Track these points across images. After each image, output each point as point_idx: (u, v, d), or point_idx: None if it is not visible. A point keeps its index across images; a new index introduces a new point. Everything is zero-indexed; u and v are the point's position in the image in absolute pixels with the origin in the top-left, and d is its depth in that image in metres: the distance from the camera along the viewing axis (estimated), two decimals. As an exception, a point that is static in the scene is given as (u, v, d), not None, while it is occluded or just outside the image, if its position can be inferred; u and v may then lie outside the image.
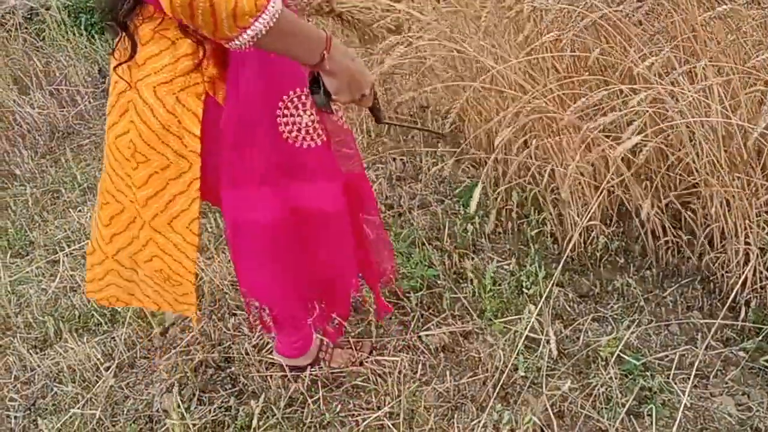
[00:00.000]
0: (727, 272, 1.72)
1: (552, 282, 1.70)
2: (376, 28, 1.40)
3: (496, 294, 1.84)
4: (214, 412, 1.61)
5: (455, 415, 1.54)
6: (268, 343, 1.79)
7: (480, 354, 1.68)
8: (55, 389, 1.74)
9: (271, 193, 1.27)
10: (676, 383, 1.54)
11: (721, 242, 1.73)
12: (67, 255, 2.30)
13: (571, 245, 1.81)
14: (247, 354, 1.76)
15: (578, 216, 1.87)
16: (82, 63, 3.81)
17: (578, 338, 1.69)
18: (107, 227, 1.33)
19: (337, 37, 1.18)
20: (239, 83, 1.16)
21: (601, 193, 1.73)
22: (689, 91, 1.43)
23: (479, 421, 1.50)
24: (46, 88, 3.57)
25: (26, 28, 4.05)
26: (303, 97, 1.21)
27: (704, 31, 1.57)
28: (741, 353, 1.61)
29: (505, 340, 1.68)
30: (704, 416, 1.48)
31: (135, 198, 1.24)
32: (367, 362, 1.69)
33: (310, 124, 1.23)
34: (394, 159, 2.55)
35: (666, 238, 1.83)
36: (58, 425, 1.62)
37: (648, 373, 1.56)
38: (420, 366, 1.67)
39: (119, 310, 1.96)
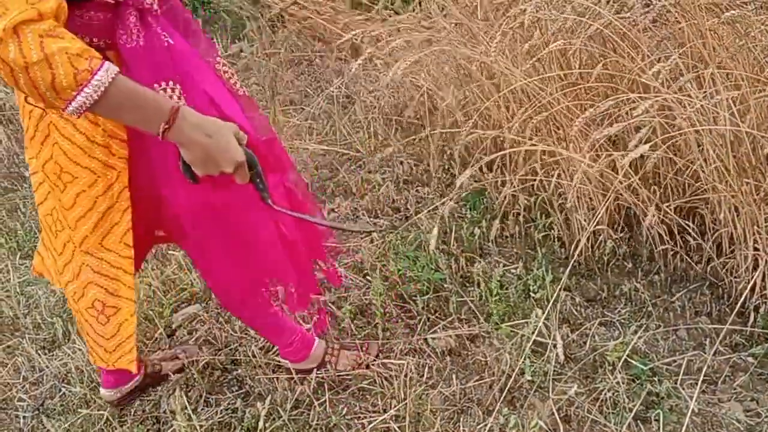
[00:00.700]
0: (735, 278, 1.72)
1: (559, 286, 1.70)
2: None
3: (502, 298, 1.84)
4: (220, 413, 1.62)
5: (461, 419, 1.53)
6: (274, 345, 1.80)
7: (486, 358, 1.68)
8: (64, 390, 1.75)
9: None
10: (683, 388, 1.53)
11: (729, 248, 1.73)
12: (75, 256, 2.31)
13: (578, 249, 1.81)
14: (253, 356, 1.76)
15: (586, 220, 1.87)
16: (91, 66, 3.83)
17: (585, 343, 1.69)
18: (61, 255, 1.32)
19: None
20: None
21: (608, 198, 1.72)
22: (697, 98, 1.43)
23: (485, 425, 1.50)
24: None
25: (37, 31, 4.07)
26: None
27: (712, 37, 1.56)
28: (750, 359, 1.60)
29: (512, 344, 1.68)
30: (712, 422, 1.47)
31: (66, 222, 1.23)
32: (373, 365, 1.69)
33: None
34: (402, 162, 2.55)
35: (674, 243, 1.82)
36: (66, 426, 1.63)
37: (655, 378, 1.56)
38: (426, 369, 1.67)
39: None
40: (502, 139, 2.09)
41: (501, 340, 1.72)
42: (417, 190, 2.41)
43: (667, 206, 1.78)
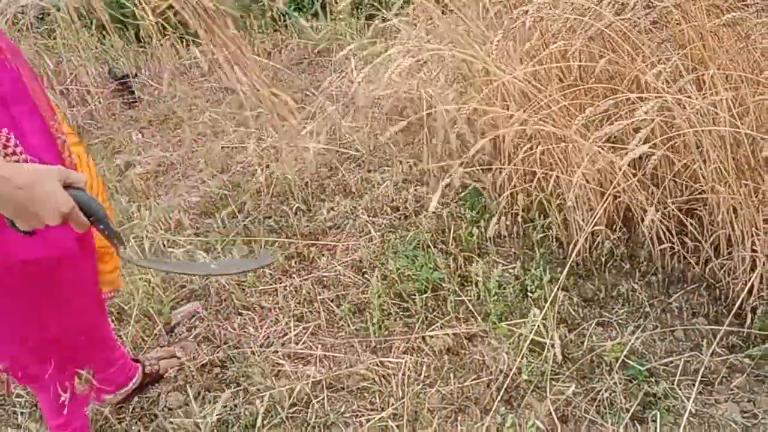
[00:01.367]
0: (733, 279, 1.72)
1: (557, 286, 1.71)
2: None
3: (500, 297, 1.84)
4: (218, 411, 1.62)
5: (459, 418, 1.54)
6: (273, 342, 1.80)
7: (484, 357, 1.68)
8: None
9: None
10: (680, 389, 1.53)
11: (727, 249, 1.73)
12: (75, 253, 2.31)
13: (576, 250, 1.81)
14: (252, 353, 1.77)
15: (584, 221, 1.87)
16: (92, 63, 3.84)
17: (583, 343, 1.69)
18: None
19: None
20: None
21: (606, 198, 1.73)
22: (697, 100, 1.44)
23: (483, 424, 1.50)
24: (57, 87, 3.60)
25: (37, 28, 4.08)
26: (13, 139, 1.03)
27: (713, 39, 1.57)
28: (746, 360, 1.61)
29: (510, 344, 1.69)
30: (709, 423, 1.47)
31: None
32: (370, 365, 1.69)
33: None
34: (401, 162, 2.55)
35: (672, 244, 1.82)
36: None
37: (653, 379, 1.56)
38: (424, 368, 1.67)
39: (125, 308, 1.97)
40: (501, 138, 2.10)
41: (499, 339, 1.72)
42: (416, 190, 2.41)
43: (665, 207, 1.78)
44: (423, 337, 1.76)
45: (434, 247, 2.06)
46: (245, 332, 1.86)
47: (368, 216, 2.32)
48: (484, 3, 2.12)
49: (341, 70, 3.42)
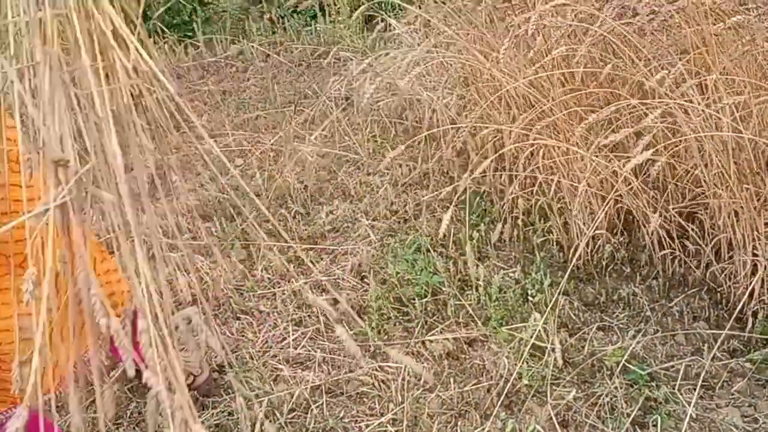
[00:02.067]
0: (734, 283, 1.72)
1: (558, 290, 1.70)
2: None
3: (501, 302, 1.84)
4: (217, 416, 1.61)
5: (459, 423, 1.53)
6: (271, 347, 1.79)
7: (484, 361, 1.67)
8: (59, 392, 1.74)
9: None
10: (681, 394, 1.53)
11: (728, 253, 1.72)
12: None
13: (577, 254, 1.80)
14: (251, 358, 1.75)
15: (584, 225, 1.87)
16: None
17: (583, 347, 1.68)
18: None
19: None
20: None
21: (608, 202, 1.72)
22: (700, 105, 1.43)
23: (483, 429, 1.49)
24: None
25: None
26: None
27: (716, 43, 1.56)
28: (747, 364, 1.60)
29: (510, 348, 1.68)
30: (710, 427, 1.47)
31: None
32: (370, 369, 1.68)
33: None
34: (400, 165, 2.55)
35: (673, 248, 1.82)
36: (65, 429, 1.61)
37: (653, 383, 1.55)
38: (424, 372, 1.66)
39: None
40: (502, 143, 2.09)
41: (499, 344, 1.71)
42: (415, 193, 2.41)
43: (666, 211, 1.78)
44: (423, 342, 1.75)
45: (434, 251, 2.05)
46: (243, 337, 1.85)
47: (367, 220, 2.31)
48: (488, 9, 2.12)
49: (340, 73, 3.42)
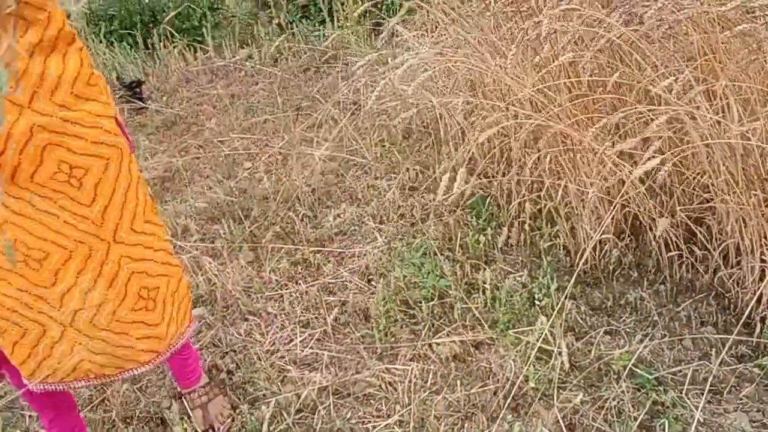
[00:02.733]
0: (742, 288, 1.72)
1: (564, 294, 1.70)
2: None
3: (508, 305, 1.84)
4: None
5: (465, 425, 1.53)
6: (279, 348, 1.80)
7: (491, 364, 1.68)
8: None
9: None
10: (689, 398, 1.53)
11: (736, 258, 1.73)
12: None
13: (583, 258, 1.81)
14: (259, 359, 1.77)
15: (591, 229, 1.87)
16: (101, 70, 3.86)
17: (590, 351, 1.69)
18: (54, 286, 1.15)
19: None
20: None
21: (614, 207, 1.73)
22: (708, 112, 1.44)
23: (490, 432, 1.50)
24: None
25: (47, 34, 4.11)
26: None
27: (723, 50, 1.57)
28: (756, 370, 1.60)
29: (517, 351, 1.68)
30: (717, 432, 1.47)
31: (88, 221, 1.14)
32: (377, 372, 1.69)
33: None
34: (407, 169, 2.56)
35: (680, 253, 1.82)
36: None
37: (661, 388, 1.56)
38: (431, 375, 1.67)
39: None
40: (509, 147, 2.10)
41: (506, 347, 1.72)
42: (423, 197, 2.42)
43: (674, 215, 1.78)
44: (429, 344, 1.76)
45: (441, 254, 2.06)
46: (251, 338, 1.86)
47: (374, 223, 2.32)
48: (495, 14, 2.13)
49: (348, 77, 3.44)
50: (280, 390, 1.66)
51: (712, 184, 1.61)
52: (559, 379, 1.59)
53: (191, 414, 1.58)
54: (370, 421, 1.57)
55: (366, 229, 2.30)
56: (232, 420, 1.59)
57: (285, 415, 1.59)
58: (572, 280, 1.58)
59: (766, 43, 1.55)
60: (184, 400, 1.61)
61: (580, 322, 1.79)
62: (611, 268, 1.93)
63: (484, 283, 1.89)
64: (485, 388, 1.62)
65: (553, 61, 1.73)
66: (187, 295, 1.38)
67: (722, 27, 1.63)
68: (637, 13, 1.68)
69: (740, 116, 1.47)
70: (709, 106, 1.54)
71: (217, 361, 1.78)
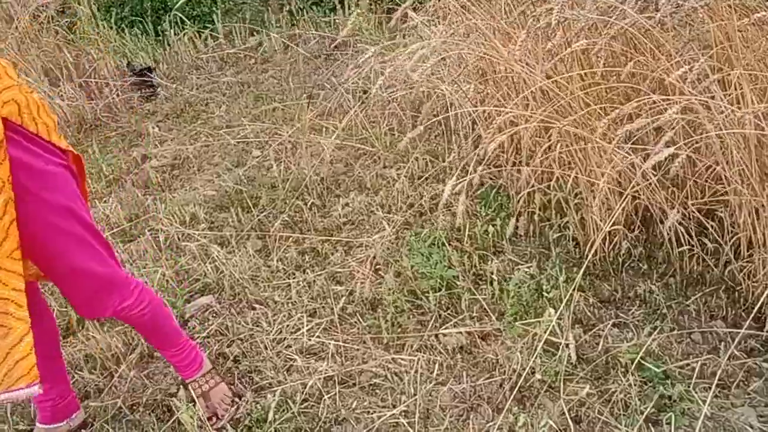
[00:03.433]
0: (753, 282, 1.69)
1: (573, 286, 1.69)
2: None
3: (515, 297, 1.83)
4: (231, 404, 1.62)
5: (471, 416, 1.53)
6: (286, 337, 1.81)
7: (497, 356, 1.67)
8: (77, 377, 1.77)
9: None
10: (696, 392, 1.51)
11: (747, 251, 1.70)
12: (91, 244, 2.33)
13: (593, 250, 1.79)
14: (265, 348, 1.77)
15: (601, 220, 1.85)
16: (111, 56, 3.87)
17: (598, 344, 1.67)
18: None
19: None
20: None
21: (625, 198, 1.71)
22: (723, 101, 1.41)
23: (495, 423, 1.49)
24: (76, 80, 3.63)
25: (58, 21, 4.12)
26: None
27: (740, 38, 1.54)
28: (765, 364, 1.58)
29: (524, 343, 1.67)
30: (725, 427, 1.45)
31: None
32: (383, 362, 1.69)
33: None
34: (417, 159, 2.54)
35: (691, 246, 1.80)
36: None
37: (668, 381, 1.54)
38: (437, 366, 1.67)
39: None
40: (519, 136, 2.08)
41: (513, 338, 1.71)
42: (432, 187, 2.40)
43: (685, 207, 1.76)
44: (436, 335, 1.76)
45: (449, 244, 2.05)
46: (258, 327, 1.86)
47: (383, 212, 2.31)
48: (506, 1, 2.10)
49: (358, 65, 3.41)
50: (286, 379, 1.67)
51: (726, 176, 1.59)
52: (565, 371, 1.58)
53: (196, 401, 1.59)
54: (375, 411, 1.57)
55: (374, 219, 2.29)
56: (237, 407, 1.60)
57: (291, 404, 1.59)
58: (581, 272, 1.56)
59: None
60: (188, 388, 1.62)
61: (588, 314, 1.78)
62: (621, 260, 1.91)
63: (492, 274, 1.88)
64: (491, 379, 1.62)
65: (566, 49, 1.70)
66: (29, 354, 1.26)
67: (740, 15, 1.59)
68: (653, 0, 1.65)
69: (757, 106, 1.44)
70: (724, 95, 1.51)
71: (224, 349, 1.79)
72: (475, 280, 1.93)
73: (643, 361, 1.58)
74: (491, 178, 2.32)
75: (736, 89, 1.53)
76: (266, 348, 1.77)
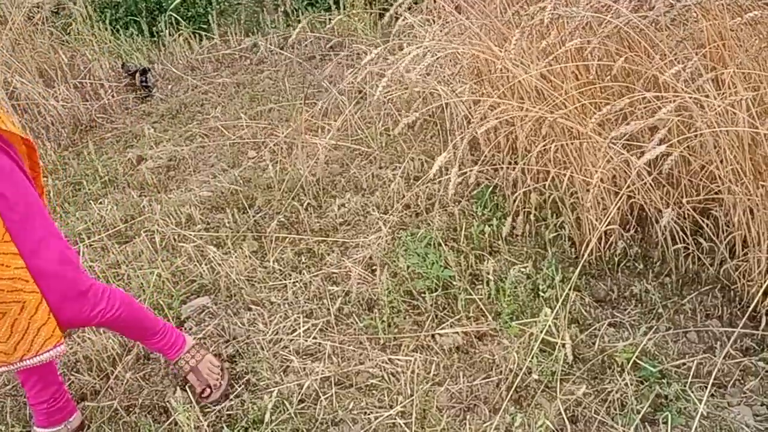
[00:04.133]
0: (748, 281, 1.70)
1: (569, 286, 1.69)
2: None
3: (512, 297, 1.83)
4: (228, 406, 1.62)
5: (467, 417, 1.53)
6: (282, 338, 1.80)
7: (494, 356, 1.67)
8: (73, 378, 1.76)
9: None
10: (692, 391, 1.52)
11: (742, 250, 1.71)
12: (87, 246, 2.33)
13: (589, 249, 1.79)
14: (262, 349, 1.77)
15: (597, 220, 1.85)
16: (106, 57, 3.86)
17: (594, 343, 1.68)
18: None
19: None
20: None
21: (620, 197, 1.71)
22: (716, 100, 1.41)
23: (492, 423, 1.49)
24: (71, 81, 3.62)
25: (53, 22, 4.11)
26: None
27: (732, 37, 1.54)
28: (761, 363, 1.59)
29: (520, 343, 1.67)
30: (721, 425, 1.46)
31: None
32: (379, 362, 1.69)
33: None
34: (413, 159, 2.54)
35: (686, 245, 1.80)
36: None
37: (664, 381, 1.55)
38: (433, 366, 1.67)
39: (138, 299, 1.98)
40: (514, 136, 2.08)
41: (509, 338, 1.71)
42: (427, 187, 2.40)
43: (680, 207, 1.76)
44: (433, 336, 1.76)
45: (445, 245, 2.05)
46: (254, 328, 1.86)
47: (379, 213, 2.31)
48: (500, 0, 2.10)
49: (354, 66, 3.41)
50: (282, 380, 1.66)
51: (720, 176, 1.59)
52: (562, 371, 1.59)
53: (188, 379, 1.64)
54: (372, 412, 1.57)
55: (370, 219, 2.29)
56: (226, 372, 1.67)
57: (287, 405, 1.59)
58: (577, 272, 1.56)
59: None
60: (175, 368, 1.67)
61: (585, 314, 1.78)
62: (616, 259, 1.91)
63: (488, 274, 1.88)
64: (488, 379, 1.62)
65: (560, 47, 1.70)
66: (48, 318, 1.34)
67: (733, 14, 1.60)
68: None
69: (749, 105, 1.45)
70: (718, 94, 1.52)
71: (220, 350, 1.78)
72: (471, 280, 1.93)
73: (639, 361, 1.58)
74: (487, 179, 2.32)
75: (729, 88, 1.53)
76: (263, 349, 1.77)
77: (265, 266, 2.11)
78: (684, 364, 1.60)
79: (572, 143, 1.82)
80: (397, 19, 2.57)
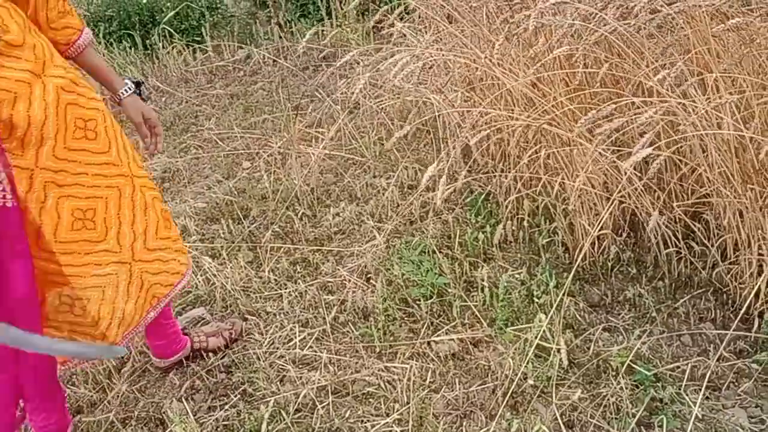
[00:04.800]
0: (740, 283, 1.71)
1: (563, 291, 1.70)
2: None
3: (506, 303, 1.84)
4: (223, 416, 1.62)
5: (464, 423, 1.53)
6: (278, 348, 1.81)
7: (490, 362, 1.68)
8: (69, 392, 1.76)
9: None
10: (687, 394, 1.52)
11: (734, 253, 1.72)
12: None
13: (582, 255, 1.81)
14: (258, 359, 1.77)
15: (589, 225, 1.87)
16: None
17: (589, 348, 1.69)
18: (107, 234, 1.30)
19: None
20: None
21: (612, 203, 1.72)
22: (701, 104, 1.43)
23: (488, 430, 1.50)
24: (65, 95, 3.61)
25: (46, 36, 4.12)
26: None
27: (717, 43, 1.57)
28: (754, 365, 1.60)
29: (515, 349, 1.68)
30: (716, 428, 1.46)
31: (110, 165, 1.31)
32: (375, 370, 1.69)
33: None
34: (406, 167, 2.56)
35: (678, 249, 1.82)
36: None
37: (659, 384, 1.55)
38: (429, 373, 1.67)
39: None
40: (506, 142, 2.10)
41: (504, 344, 1.72)
42: (421, 195, 2.41)
43: (671, 211, 1.78)
44: (428, 343, 1.76)
45: (439, 252, 2.06)
46: (250, 337, 1.86)
47: (373, 221, 2.32)
48: (489, 9, 2.13)
49: (347, 75, 3.43)
50: (279, 389, 1.67)
51: (708, 178, 1.61)
52: (557, 376, 1.59)
53: (210, 348, 1.78)
54: (368, 420, 1.57)
55: (365, 228, 2.30)
56: (235, 327, 1.85)
57: (284, 414, 1.59)
58: (570, 277, 1.57)
59: (759, 35, 1.55)
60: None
61: (579, 318, 1.79)
62: (610, 264, 1.93)
63: (483, 280, 1.89)
64: (484, 386, 1.62)
65: (548, 54, 1.72)
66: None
67: (718, 21, 1.62)
68: (632, 6, 1.67)
69: (735, 109, 1.47)
70: (704, 99, 1.54)
71: (216, 361, 1.79)
72: (465, 287, 1.94)
73: (633, 365, 1.59)
74: (480, 186, 2.33)
75: (714, 92, 1.55)
76: (259, 359, 1.77)
77: (261, 276, 2.12)
78: (678, 367, 1.61)
79: (562, 149, 1.84)
80: (388, 28, 2.59)
